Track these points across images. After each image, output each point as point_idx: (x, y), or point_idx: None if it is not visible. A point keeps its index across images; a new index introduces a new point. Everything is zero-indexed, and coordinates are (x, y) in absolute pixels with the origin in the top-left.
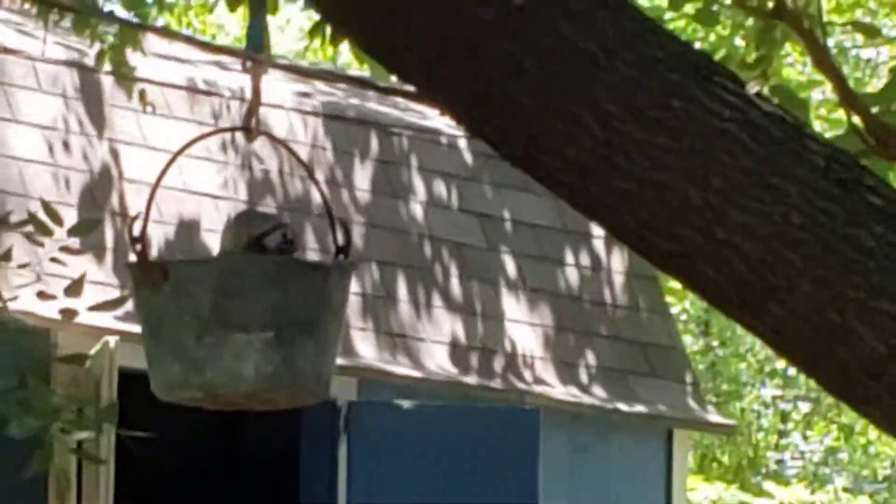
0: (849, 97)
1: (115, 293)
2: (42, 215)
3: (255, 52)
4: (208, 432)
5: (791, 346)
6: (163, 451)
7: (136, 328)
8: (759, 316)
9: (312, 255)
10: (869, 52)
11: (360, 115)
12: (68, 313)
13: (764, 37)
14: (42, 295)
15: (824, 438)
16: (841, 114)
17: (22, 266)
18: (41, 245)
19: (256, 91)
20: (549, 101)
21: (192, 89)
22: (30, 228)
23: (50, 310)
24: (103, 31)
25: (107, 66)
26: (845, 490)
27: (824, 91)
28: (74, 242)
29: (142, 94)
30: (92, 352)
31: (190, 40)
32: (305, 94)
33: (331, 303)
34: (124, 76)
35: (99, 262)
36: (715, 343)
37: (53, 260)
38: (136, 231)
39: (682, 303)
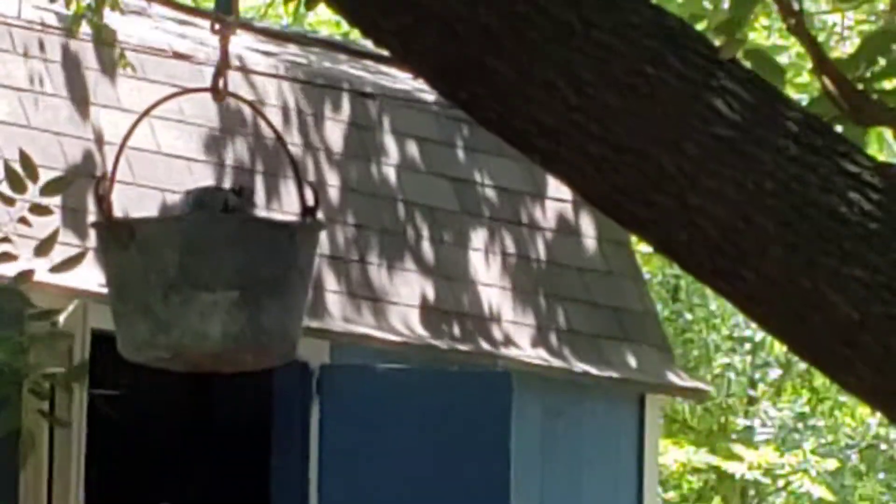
0: (823, 62)
1: (89, 255)
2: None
3: (224, 14)
4: (180, 396)
5: (764, 311)
6: (133, 414)
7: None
8: (732, 281)
9: (282, 217)
10: (834, 17)
11: (333, 79)
12: (26, 274)
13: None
14: (6, 256)
15: (795, 405)
16: (805, 78)
17: None
18: (12, 204)
19: (224, 52)
20: (523, 68)
21: (167, 52)
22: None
23: (10, 270)
24: None
25: (84, 29)
26: (814, 452)
27: (790, 55)
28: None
29: (121, 56)
30: (65, 314)
31: (163, 1)
32: (277, 57)
33: (297, 263)
34: (103, 41)
35: (74, 226)
36: (682, 309)
37: (21, 220)
38: (103, 190)
39: (652, 268)
